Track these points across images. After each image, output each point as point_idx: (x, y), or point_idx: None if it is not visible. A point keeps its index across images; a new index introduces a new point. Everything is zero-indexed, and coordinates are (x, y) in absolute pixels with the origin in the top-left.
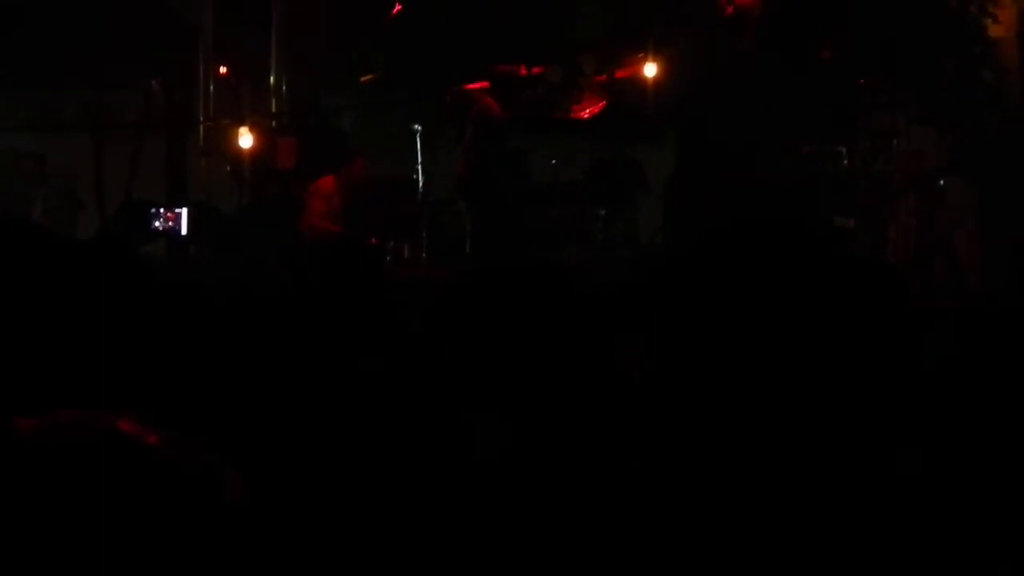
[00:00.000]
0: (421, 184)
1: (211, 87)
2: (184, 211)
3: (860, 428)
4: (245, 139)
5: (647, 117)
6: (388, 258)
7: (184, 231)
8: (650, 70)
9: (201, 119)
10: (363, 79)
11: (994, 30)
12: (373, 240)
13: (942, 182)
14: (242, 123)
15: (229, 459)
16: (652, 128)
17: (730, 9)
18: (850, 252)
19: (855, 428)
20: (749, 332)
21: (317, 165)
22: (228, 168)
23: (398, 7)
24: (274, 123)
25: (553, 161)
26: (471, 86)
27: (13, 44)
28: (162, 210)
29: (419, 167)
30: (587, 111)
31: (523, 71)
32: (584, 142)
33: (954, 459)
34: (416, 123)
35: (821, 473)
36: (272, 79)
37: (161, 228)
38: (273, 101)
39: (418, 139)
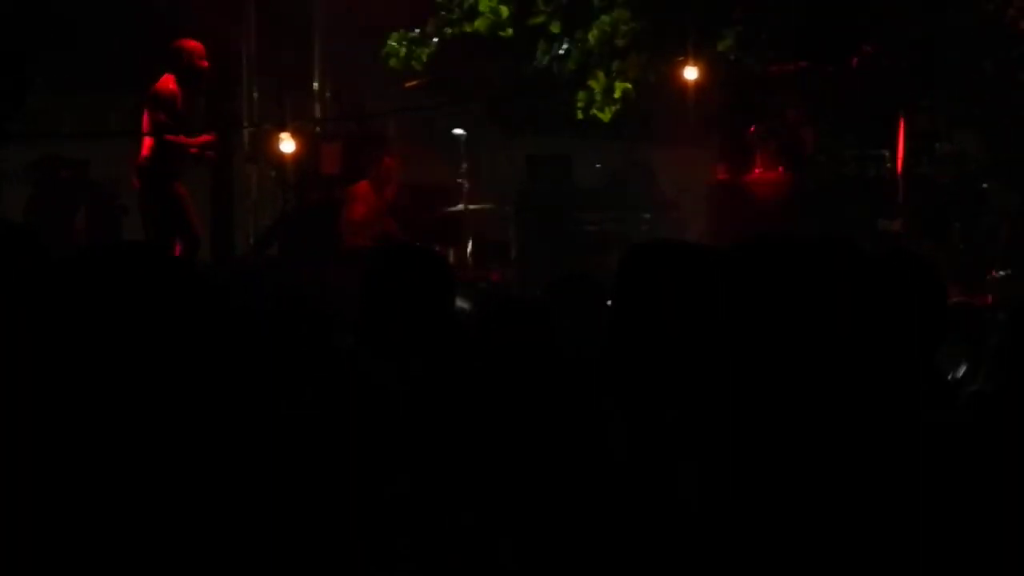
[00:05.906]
0: (465, 189)
1: (254, 93)
2: None
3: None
4: (287, 144)
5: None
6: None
7: None
8: (690, 74)
9: (245, 124)
10: (407, 84)
11: None
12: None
13: (984, 185)
14: (285, 128)
15: None
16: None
17: None
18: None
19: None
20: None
21: (353, 169)
22: (272, 174)
23: None
24: (318, 129)
25: (597, 165)
26: None
27: (55, 51)
28: None
29: (462, 172)
30: None
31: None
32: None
33: None
34: (459, 128)
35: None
36: (316, 85)
37: None
38: (317, 107)
39: (461, 144)
